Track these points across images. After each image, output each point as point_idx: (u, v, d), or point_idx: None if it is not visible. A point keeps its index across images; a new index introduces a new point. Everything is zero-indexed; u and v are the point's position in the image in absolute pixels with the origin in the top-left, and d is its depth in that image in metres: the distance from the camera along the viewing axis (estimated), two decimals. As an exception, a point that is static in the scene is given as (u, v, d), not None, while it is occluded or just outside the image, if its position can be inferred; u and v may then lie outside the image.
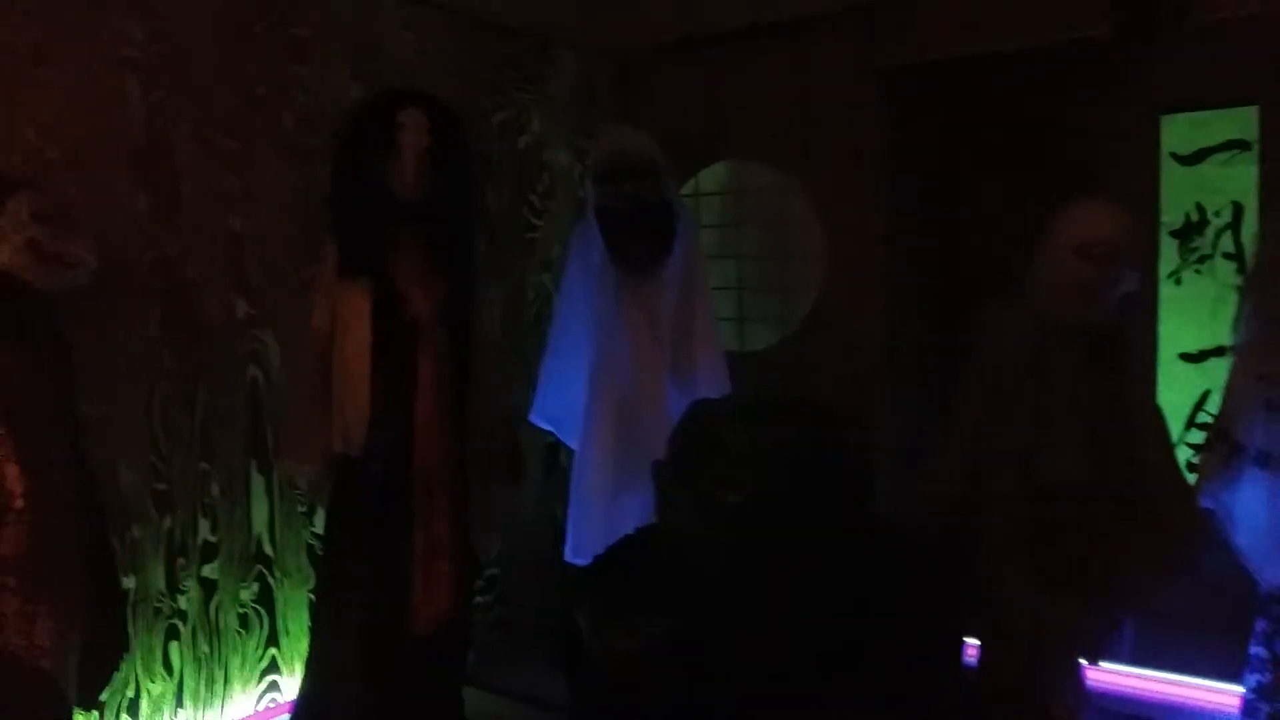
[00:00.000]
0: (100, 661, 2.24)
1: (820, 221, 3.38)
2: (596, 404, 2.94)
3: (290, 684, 2.83)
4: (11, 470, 2.00)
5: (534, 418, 3.17)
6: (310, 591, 2.87)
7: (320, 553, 2.84)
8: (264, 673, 2.79)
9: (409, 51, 3.05)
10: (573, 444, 3.11)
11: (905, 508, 2.92)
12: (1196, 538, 2.45)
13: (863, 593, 2.52)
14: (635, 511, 2.90)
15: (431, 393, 2.49)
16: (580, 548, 2.93)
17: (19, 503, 2.00)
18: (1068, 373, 2.51)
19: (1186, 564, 2.45)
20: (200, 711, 2.64)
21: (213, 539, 2.65)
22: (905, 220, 3.35)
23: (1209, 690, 2.93)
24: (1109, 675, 2.91)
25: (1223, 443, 2.46)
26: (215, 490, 2.65)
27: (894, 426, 3.33)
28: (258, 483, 2.75)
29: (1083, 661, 2.60)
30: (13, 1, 2.21)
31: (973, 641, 2.64)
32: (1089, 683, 2.61)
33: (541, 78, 3.51)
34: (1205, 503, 2.46)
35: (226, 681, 2.70)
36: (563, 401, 3.09)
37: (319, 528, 2.87)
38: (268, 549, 2.78)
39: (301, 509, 2.85)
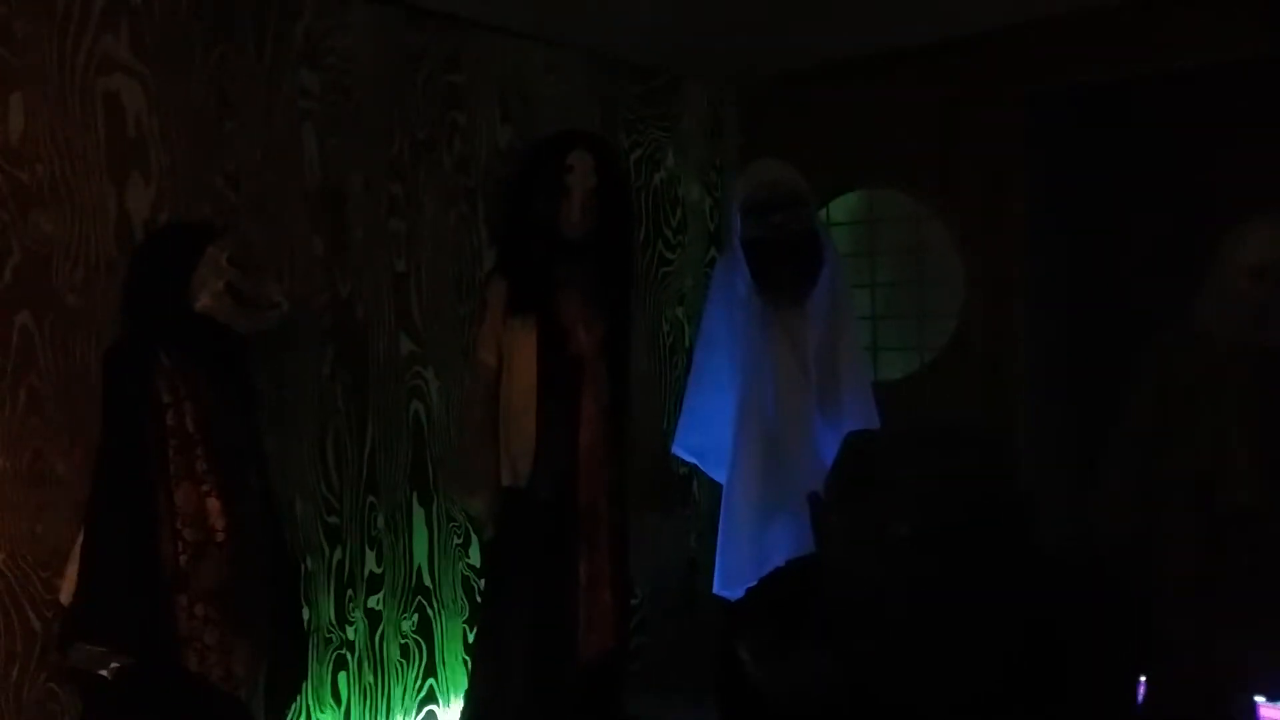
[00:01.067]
0: (283, 690, 2.31)
1: (959, 249, 3.35)
2: (744, 436, 2.95)
3: (445, 714, 2.88)
4: (214, 504, 2.08)
5: (677, 449, 3.18)
6: (465, 622, 2.92)
7: (479, 584, 2.90)
8: (422, 703, 2.84)
9: (553, 94, 3.13)
10: (716, 476, 3.12)
11: (1061, 538, 2.86)
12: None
13: (1033, 625, 2.47)
14: (784, 543, 2.89)
15: (594, 426, 2.54)
16: (730, 580, 2.93)
17: (220, 536, 2.08)
18: (1241, 398, 2.44)
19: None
20: (366, 740, 2.71)
21: (378, 571, 2.72)
22: (1049, 246, 3.30)
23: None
24: (1290, 716, 2.79)
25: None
26: (380, 523, 2.72)
27: (1038, 457, 3.26)
28: (418, 515, 2.81)
29: (1259, 699, 2.51)
30: (204, 60, 2.34)
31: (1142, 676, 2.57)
32: (1265, 720, 2.51)
33: (674, 113, 3.57)
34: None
35: (389, 712, 2.75)
36: (706, 434, 3.10)
37: (474, 559, 2.93)
38: (427, 580, 2.84)
39: (458, 541, 2.91)
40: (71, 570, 2.03)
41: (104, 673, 1.94)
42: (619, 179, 2.53)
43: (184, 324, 2.09)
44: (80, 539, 2.01)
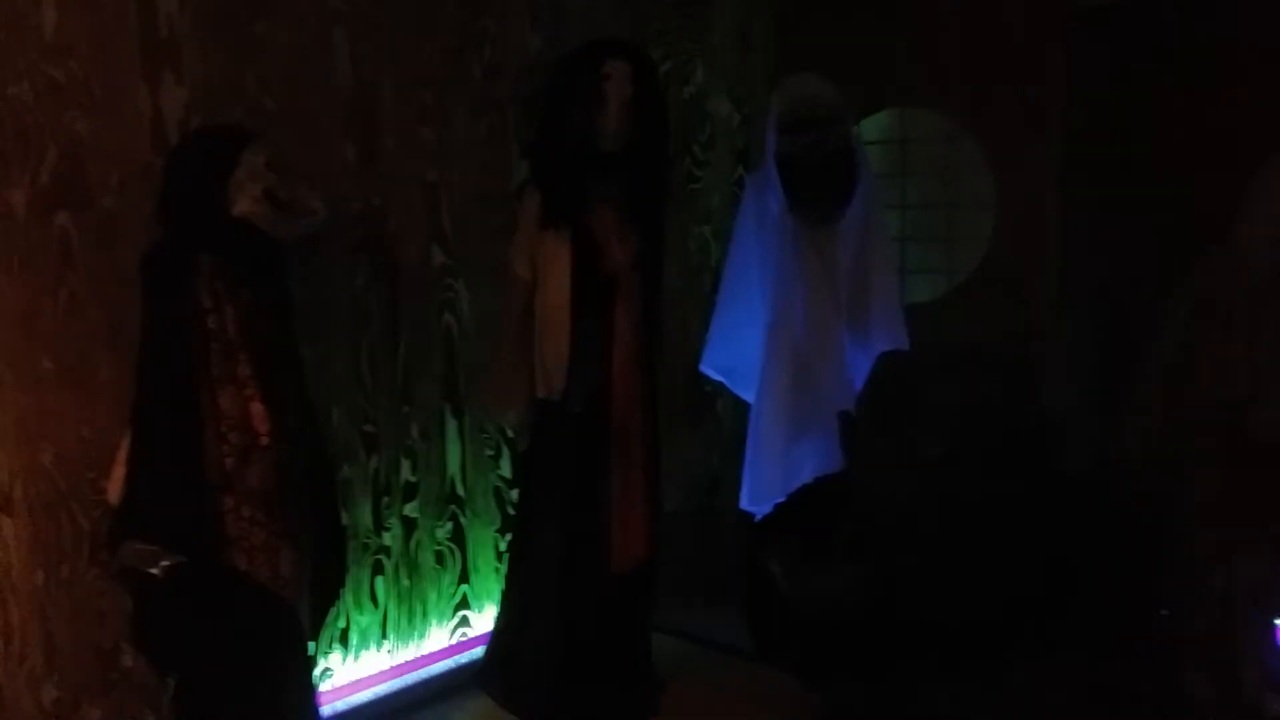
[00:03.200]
0: (325, 593, 2.36)
1: (991, 169, 3.30)
2: (774, 354, 2.95)
3: (478, 619, 2.95)
4: (258, 409, 2.09)
5: (705, 368, 3.19)
6: (496, 532, 2.97)
7: (510, 495, 2.94)
8: (456, 608, 2.91)
9: (582, 2, 3.05)
10: (744, 395, 3.13)
11: (1087, 460, 2.88)
12: None
13: (1058, 546, 2.51)
14: (812, 461, 2.92)
15: (627, 340, 2.54)
16: (757, 496, 2.97)
17: (264, 440, 2.09)
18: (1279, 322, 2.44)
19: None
20: (402, 643, 2.77)
21: (413, 479, 2.76)
22: (1084, 167, 3.25)
23: None
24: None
25: None
26: (415, 432, 2.75)
27: (1067, 381, 3.27)
28: (451, 426, 2.84)
29: (1278, 622, 2.56)
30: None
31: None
32: (1283, 644, 2.55)
33: (705, 26, 3.48)
34: None
35: (424, 615, 2.82)
36: (735, 352, 3.11)
37: (505, 471, 2.97)
38: (460, 490, 2.88)
39: (490, 452, 2.94)
40: (119, 471, 2.06)
41: (154, 570, 1.98)
42: (656, 90, 2.48)
43: (222, 229, 2.07)
44: (127, 440, 2.04)
